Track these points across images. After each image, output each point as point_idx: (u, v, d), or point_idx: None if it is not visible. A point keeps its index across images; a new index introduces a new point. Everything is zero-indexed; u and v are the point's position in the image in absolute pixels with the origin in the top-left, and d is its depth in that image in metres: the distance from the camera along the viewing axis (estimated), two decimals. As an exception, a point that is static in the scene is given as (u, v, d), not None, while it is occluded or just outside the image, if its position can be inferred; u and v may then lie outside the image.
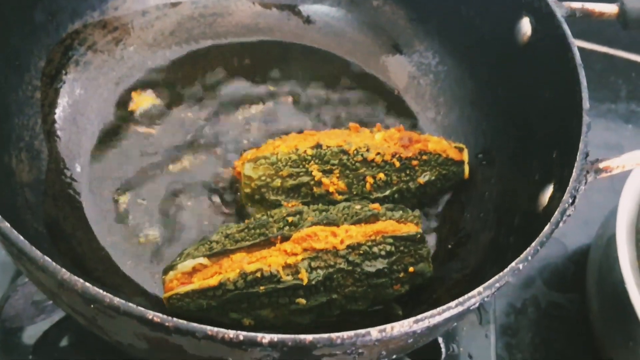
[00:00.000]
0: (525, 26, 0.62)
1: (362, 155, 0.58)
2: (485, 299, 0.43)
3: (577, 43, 0.57)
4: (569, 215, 0.49)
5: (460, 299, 0.41)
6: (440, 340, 0.60)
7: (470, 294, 0.41)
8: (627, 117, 0.90)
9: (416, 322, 0.39)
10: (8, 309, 0.57)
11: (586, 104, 0.53)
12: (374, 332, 0.39)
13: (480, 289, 0.42)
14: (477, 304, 0.42)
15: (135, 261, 0.57)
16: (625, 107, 0.91)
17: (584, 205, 0.74)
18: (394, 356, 0.46)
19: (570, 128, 0.53)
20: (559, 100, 0.57)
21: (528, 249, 0.44)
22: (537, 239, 0.45)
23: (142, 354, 0.44)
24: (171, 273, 0.52)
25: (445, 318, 0.41)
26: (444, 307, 0.41)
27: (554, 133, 0.57)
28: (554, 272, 0.74)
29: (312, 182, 0.58)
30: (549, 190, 0.53)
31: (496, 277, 0.43)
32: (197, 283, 0.51)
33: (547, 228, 0.46)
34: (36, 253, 0.38)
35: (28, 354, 0.59)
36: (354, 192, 0.58)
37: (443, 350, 0.60)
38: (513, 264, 0.44)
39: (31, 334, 0.60)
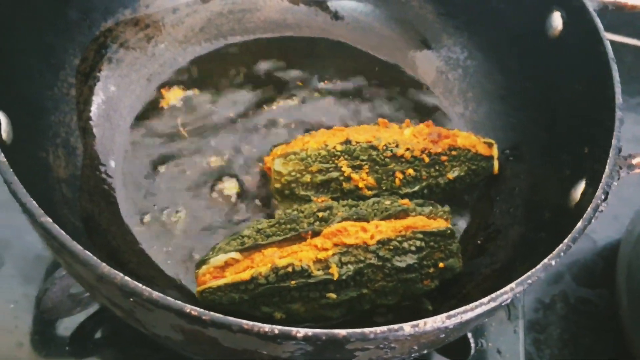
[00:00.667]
0: (557, 20, 0.62)
1: (391, 150, 0.59)
2: (517, 295, 0.43)
3: (607, 36, 0.57)
4: (601, 211, 0.48)
5: (493, 295, 0.41)
6: (469, 335, 0.60)
7: (502, 290, 0.42)
8: (658, 110, 0.89)
9: (448, 317, 0.40)
10: (46, 301, 0.58)
11: (619, 98, 0.52)
12: (407, 327, 0.39)
13: (512, 285, 0.42)
14: (509, 300, 0.42)
15: (168, 254, 0.58)
16: (657, 100, 0.90)
17: (614, 201, 0.73)
18: (425, 351, 0.46)
19: (602, 123, 0.52)
20: (590, 94, 0.57)
21: (560, 245, 0.44)
22: (570, 235, 0.45)
23: (178, 345, 0.45)
24: (204, 267, 0.53)
25: (477, 314, 0.41)
26: (477, 303, 0.41)
27: (585, 128, 0.57)
28: (583, 267, 0.73)
29: (341, 178, 0.58)
30: (581, 186, 0.53)
31: (528, 273, 0.43)
32: (230, 277, 0.52)
33: (579, 224, 0.46)
34: (77, 247, 0.39)
35: (65, 345, 0.61)
36: (383, 188, 0.59)
37: (472, 345, 0.60)
38: (545, 260, 0.44)
39: (67, 325, 0.61)
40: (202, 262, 0.54)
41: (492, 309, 0.41)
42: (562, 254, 0.44)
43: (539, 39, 0.63)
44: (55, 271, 0.61)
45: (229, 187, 0.63)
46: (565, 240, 0.45)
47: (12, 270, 0.64)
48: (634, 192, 0.71)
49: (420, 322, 0.39)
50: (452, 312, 0.40)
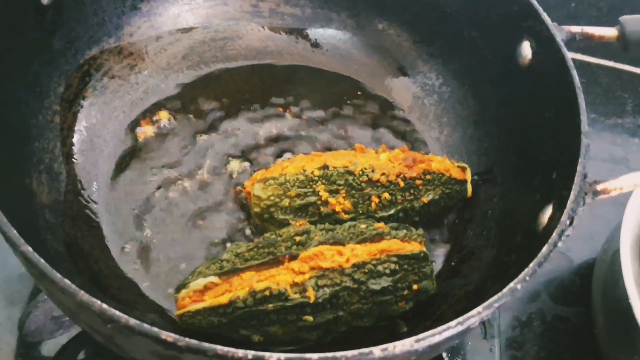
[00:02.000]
0: (526, 49, 0.64)
1: (367, 175, 0.60)
2: (485, 318, 0.45)
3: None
4: (568, 236, 0.50)
5: (460, 319, 0.43)
6: (444, 355, 0.61)
7: (469, 313, 0.43)
8: (633, 131, 0.90)
9: (417, 341, 0.41)
10: (29, 324, 0.59)
11: (585, 126, 0.54)
12: (377, 351, 0.40)
13: (479, 308, 0.43)
14: (476, 323, 0.44)
15: (149, 279, 0.59)
16: (632, 121, 0.91)
17: (590, 220, 0.74)
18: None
19: (569, 149, 0.54)
20: (559, 121, 0.59)
21: (526, 269, 0.46)
22: (535, 260, 0.47)
23: (156, 370, 0.46)
24: (183, 291, 0.54)
25: (446, 337, 0.42)
26: (444, 326, 0.42)
27: (554, 154, 0.58)
28: (559, 285, 0.74)
29: (319, 202, 0.60)
30: (549, 210, 0.55)
31: (494, 297, 0.44)
32: (209, 301, 0.53)
33: (544, 249, 0.48)
34: (56, 275, 0.40)
35: (49, 366, 0.61)
36: (360, 211, 0.60)
37: (447, 364, 0.61)
38: (511, 284, 0.45)
39: (50, 347, 0.62)
40: (182, 286, 0.55)
41: (460, 332, 0.43)
42: (528, 278, 0.46)
43: (510, 67, 0.65)
44: (38, 294, 0.62)
45: (212, 210, 0.64)
46: (531, 265, 0.46)
47: (-5, 293, 0.64)
48: (609, 211, 0.72)
49: (390, 345, 0.40)
50: (420, 336, 0.41)
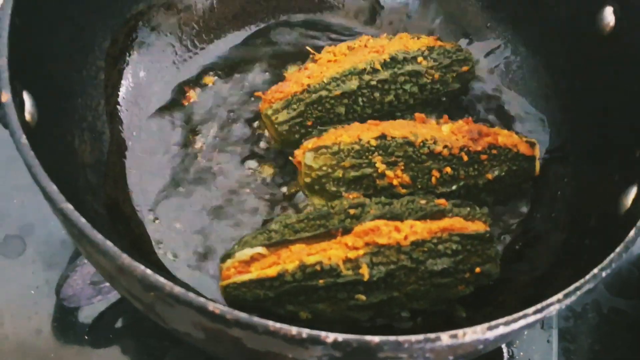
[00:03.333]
0: (609, 16, 0.58)
1: (428, 147, 0.56)
2: (564, 306, 0.40)
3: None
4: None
5: (538, 306, 0.38)
6: (502, 344, 0.57)
7: (548, 301, 0.39)
8: None
9: (490, 329, 0.37)
10: (66, 289, 0.57)
11: (679, 99, 0.49)
12: (445, 338, 0.36)
13: (559, 295, 0.39)
14: (554, 312, 0.39)
15: (193, 247, 0.57)
16: None
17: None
18: (459, 361, 0.44)
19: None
20: (646, 95, 0.53)
21: (612, 254, 0.41)
22: (622, 244, 0.42)
23: (198, 343, 0.43)
24: (229, 261, 0.51)
25: (521, 326, 0.38)
26: (521, 314, 0.38)
27: (638, 130, 0.53)
28: (617, 276, 0.70)
29: (375, 174, 0.56)
30: (633, 192, 0.49)
31: (577, 283, 0.40)
32: (255, 273, 0.50)
33: (632, 232, 0.43)
34: (97, 236, 0.37)
35: (84, 334, 0.60)
36: (419, 186, 0.56)
37: (505, 355, 0.57)
38: (595, 270, 0.41)
39: (87, 314, 0.60)
40: (227, 255, 0.52)
41: (536, 320, 0.39)
42: (614, 264, 0.41)
43: (589, 35, 0.60)
44: (78, 258, 0.60)
45: (255, 176, 0.61)
46: (618, 250, 0.42)
47: (34, 256, 0.63)
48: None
49: (460, 332, 0.36)
50: (493, 323, 0.37)
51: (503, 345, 0.59)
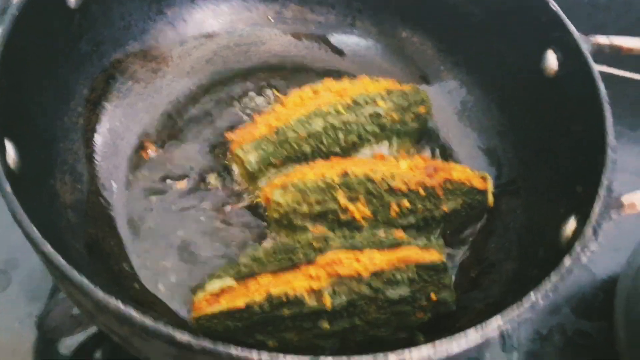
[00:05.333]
0: (552, 60, 0.63)
1: (388, 183, 0.60)
2: (504, 329, 0.44)
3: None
4: (592, 252, 0.49)
5: (479, 327, 0.42)
6: (463, 367, 0.60)
7: (489, 322, 0.42)
8: (661, 144, 0.88)
9: (434, 347, 0.40)
10: (49, 322, 0.59)
11: (612, 140, 0.53)
12: (393, 357, 0.40)
13: (499, 321, 0.43)
14: (495, 334, 0.43)
15: (167, 280, 0.59)
16: (660, 134, 0.90)
17: (614, 234, 0.72)
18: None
19: (595, 163, 0.53)
20: (585, 134, 0.58)
21: (548, 283, 0.45)
22: (557, 273, 0.46)
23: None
24: (200, 293, 0.54)
25: (465, 348, 0.41)
26: (462, 334, 0.41)
27: (579, 167, 0.57)
28: (581, 299, 0.73)
29: (338, 209, 0.59)
30: (573, 224, 0.53)
31: (515, 310, 0.43)
32: (225, 304, 0.52)
33: (567, 262, 0.47)
34: (75, 276, 0.41)
35: (67, 363, 0.62)
36: (380, 219, 0.60)
37: (466, 377, 0.60)
38: (532, 297, 0.44)
39: (68, 344, 0.62)
40: (199, 287, 0.55)
41: (479, 342, 0.42)
42: (549, 293, 0.45)
43: (536, 77, 0.64)
44: (59, 292, 0.63)
45: (228, 213, 0.64)
46: (553, 279, 0.45)
47: (18, 290, 0.65)
48: (634, 226, 0.70)
49: (406, 351, 0.40)
50: (438, 342, 0.41)
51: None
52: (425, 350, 0.41)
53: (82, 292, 0.40)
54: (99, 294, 0.40)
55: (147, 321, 0.39)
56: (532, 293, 0.44)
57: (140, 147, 0.67)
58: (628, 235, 0.71)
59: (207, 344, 0.39)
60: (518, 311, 0.44)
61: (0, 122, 0.46)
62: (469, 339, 0.42)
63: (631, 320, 0.64)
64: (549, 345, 0.69)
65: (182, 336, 0.39)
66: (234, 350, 0.39)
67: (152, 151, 0.67)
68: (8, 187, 0.43)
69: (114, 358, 0.63)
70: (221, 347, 0.39)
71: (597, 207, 0.49)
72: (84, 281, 0.40)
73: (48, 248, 0.41)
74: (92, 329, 0.62)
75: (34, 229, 0.42)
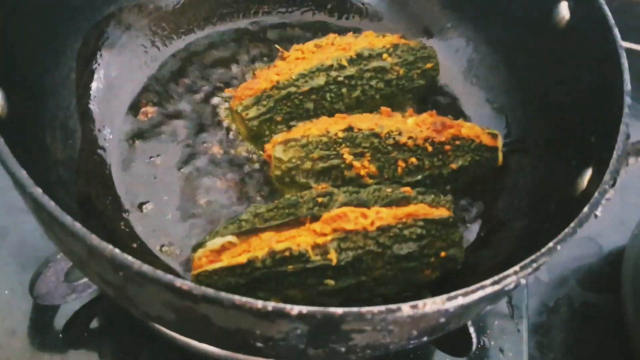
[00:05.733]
0: (564, 10, 0.61)
1: (394, 138, 0.58)
2: (521, 281, 0.42)
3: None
4: (609, 199, 0.47)
5: (495, 278, 0.40)
6: (471, 330, 0.58)
7: (505, 272, 0.40)
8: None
9: (449, 299, 0.38)
10: (40, 286, 0.57)
11: (627, 85, 0.51)
12: (406, 308, 0.38)
13: (516, 267, 0.41)
14: (512, 285, 0.41)
15: (165, 241, 0.57)
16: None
17: (620, 205, 0.72)
18: (425, 338, 0.45)
19: (610, 110, 0.51)
20: (599, 83, 0.56)
21: (567, 228, 0.43)
22: (576, 219, 0.44)
23: (170, 326, 0.44)
24: (200, 251, 0.52)
25: (480, 297, 0.39)
26: (478, 285, 0.39)
27: (593, 117, 0.55)
28: (588, 272, 0.72)
29: (342, 165, 0.57)
30: (588, 174, 0.52)
31: (533, 256, 0.41)
32: (226, 261, 0.51)
33: (586, 208, 0.45)
34: (67, 218, 0.38)
35: (58, 334, 0.60)
36: (385, 176, 0.58)
37: (474, 340, 0.58)
38: (551, 243, 0.43)
39: (62, 314, 0.61)
40: (199, 245, 0.53)
41: (494, 292, 0.40)
42: (567, 238, 0.43)
43: (546, 30, 0.62)
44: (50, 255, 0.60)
45: (227, 171, 0.62)
46: (572, 224, 0.43)
47: (8, 258, 0.63)
48: (640, 197, 0.70)
49: (420, 302, 0.38)
50: (452, 294, 0.39)
51: (473, 332, 0.60)
52: (439, 300, 0.38)
53: (73, 237, 0.38)
54: (92, 237, 0.37)
55: (145, 266, 0.37)
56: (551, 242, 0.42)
57: (136, 104, 0.64)
58: (634, 208, 0.71)
59: (209, 290, 0.36)
60: (535, 257, 0.42)
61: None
62: (485, 288, 0.40)
63: (638, 292, 0.63)
64: (556, 317, 0.69)
65: (183, 282, 0.36)
66: (238, 299, 0.36)
67: (149, 108, 0.64)
68: (-6, 127, 0.40)
69: (110, 327, 0.61)
70: (224, 295, 0.36)
71: (616, 153, 0.47)
72: (76, 224, 0.38)
73: (36, 189, 0.38)
74: (87, 297, 0.60)
75: (21, 169, 0.39)
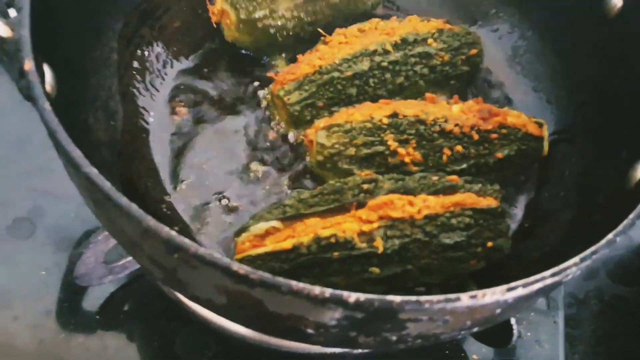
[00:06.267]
0: (616, -4, 0.59)
1: (439, 125, 0.57)
2: (577, 273, 0.41)
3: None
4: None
5: (556, 269, 0.39)
6: (513, 321, 0.58)
7: (565, 264, 0.39)
8: None
9: (509, 290, 0.38)
10: (79, 267, 0.57)
11: (687, 74, 0.50)
12: (465, 298, 0.37)
13: (576, 259, 0.40)
14: (571, 276, 0.40)
15: (206, 224, 0.57)
16: None
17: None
18: (476, 328, 0.44)
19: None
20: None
21: (625, 220, 0.42)
22: (635, 211, 0.43)
23: (219, 309, 0.43)
24: (244, 235, 0.52)
25: (539, 288, 0.39)
26: (538, 276, 0.39)
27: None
28: (618, 264, 0.71)
29: (387, 152, 0.56)
30: (640, 167, 0.50)
31: (593, 248, 0.40)
32: (270, 246, 0.50)
33: (646, 202, 0.44)
34: (123, 199, 0.38)
35: (93, 315, 0.60)
36: (430, 164, 0.57)
37: (515, 331, 0.58)
38: (610, 235, 0.41)
39: (97, 296, 0.60)
40: (242, 229, 0.52)
41: (554, 283, 0.39)
42: (626, 230, 0.42)
43: (596, 17, 0.61)
44: (90, 237, 0.60)
45: (267, 156, 0.61)
46: (631, 216, 0.42)
47: (44, 238, 0.63)
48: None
49: (479, 292, 0.37)
50: (512, 285, 0.38)
51: (514, 322, 0.59)
52: (499, 290, 0.38)
53: (128, 218, 0.37)
54: (149, 218, 0.37)
55: (202, 249, 0.36)
56: (611, 234, 0.41)
57: (177, 88, 0.64)
58: None
59: (266, 275, 0.36)
60: (595, 249, 0.41)
61: (34, 38, 0.43)
62: (545, 279, 0.39)
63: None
64: (586, 310, 0.68)
65: (240, 266, 0.36)
66: (296, 285, 0.36)
67: (183, 102, 0.64)
68: (47, 105, 0.40)
69: (144, 310, 0.61)
70: (281, 280, 0.36)
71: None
72: (132, 205, 0.37)
73: (91, 169, 0.38)
74: (123, 279, 0.60)
75: (76, 148, 0.39)
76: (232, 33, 0.64)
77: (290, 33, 0.64)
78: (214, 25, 0.65)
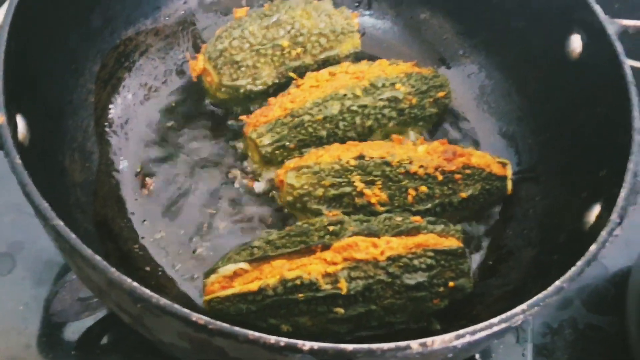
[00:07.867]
0: (576, 42, 0.61)
1: (405, 167, 0.58)
2: (528, 317, 0.43)
3: (628, 62, 0.56)
4: (616, 236, 0.47)
5: (503, 316, 0.41)
6: (477, 356, 0.59)
7: (513, 311, 0.41)
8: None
9: (457, 337, 0.39)
10: (55, 304, 0.58)
11: (637, 122, 0.52)
12: (415, 345, 0.38)
13: (524, 306, 0.41)
14: (519, 322, 0.42)
15: (178, 264, 0.58)
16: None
17: (626, 227, 0.72)
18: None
19: (620, 146, 0.52)
20: (609, 117, 0.56)
21: (573, 268, 0.44)
22: (584, 259, 0.45)
23: (183, 354, 0.45)
24: (213, 276, 0.53)
25: (487, 334, 0.40)
26: (487, 323, 0.40)
27: (603, 151, 0.56)
28: (593, 293, 0.71)
29: (354, 193, 0.58)
30: (596, 209, 0.52)
31: (540, 295, 0.42)
32: (238, 287, 0.52)
33: (593, 247, 0.46)
34: (88, 251, 0.39)
35: (71, 349, 0.61)
36: (396, 204, 0.59)
37: (481, 367, 0.59)
38: (558, 282, 0.43)
39: (75, 329, 0.61)
40: (211, 271, 0.53)
41: (502, 330, 0.41)
42: (575, 277, 0.44)
43: (558, 60, 0.63)
44: (66, 274, 0.61)
45: (241, 197, 0.63)
46: (579, 264, 0.44)
47: (24, 273, 0.64)
48: (646, 218, 0.70)
49: (429, 340, 0.39)
50: (461, 332, 0.39)
51: (478, 357, 0.61)
52: (448, 337, 0.39)
53: (94, 269, 0.39)
54: (112, 270, 0.38)
55: (163, 300, 0.38)
56: (558, 281, 0.43)
57: (154, 124, 0.66)
58: (639, 229, 0.69)
59: (224, 325, 0.37)
60: (543, 297, 0.42)
61: (8, 90, 0.44)
62: (494, 326, 0.40)
63: (644, 315, 0.62)
64: (560, 339, 0.68)
65: (199, 317, 0.37)
66: (252, 334, 0.37)
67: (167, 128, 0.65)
68: (18, 159, 0.41)
69: (121, 343, 0.61)
70: (238, 330, 0.37)
71: (623, 192, 0.48)
72: (96, 257, 0.39)
73: (58, 222, 0.40)
74: (100, 314, 0.61)
75: (44, 202, 0.40)
76: (212, 91, 0.66)
77: (270, 91, 0.66)
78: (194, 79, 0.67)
